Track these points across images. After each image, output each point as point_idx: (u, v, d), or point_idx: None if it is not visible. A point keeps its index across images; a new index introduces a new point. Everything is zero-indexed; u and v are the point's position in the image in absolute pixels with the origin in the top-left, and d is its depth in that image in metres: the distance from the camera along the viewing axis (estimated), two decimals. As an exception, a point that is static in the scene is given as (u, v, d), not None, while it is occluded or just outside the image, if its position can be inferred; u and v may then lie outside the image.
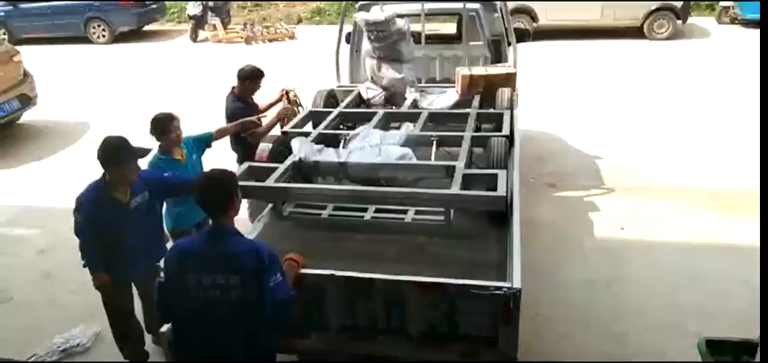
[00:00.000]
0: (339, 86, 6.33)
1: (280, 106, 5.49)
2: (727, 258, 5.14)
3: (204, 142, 4.56)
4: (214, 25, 15.79)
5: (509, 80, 5.63)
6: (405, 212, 3.99)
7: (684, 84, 10.19)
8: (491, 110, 5.24)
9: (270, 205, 4.12)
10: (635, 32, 13.27)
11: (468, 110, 5.25)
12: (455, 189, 3.58)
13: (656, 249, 5.37)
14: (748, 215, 5.61)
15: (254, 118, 4.97)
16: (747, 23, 13.80)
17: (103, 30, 16.07)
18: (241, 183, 3.87)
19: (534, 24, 13.04)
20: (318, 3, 18.50)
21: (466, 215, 3.95)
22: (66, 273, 5.07)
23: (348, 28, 7.08)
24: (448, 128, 5.09)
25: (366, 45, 5.88)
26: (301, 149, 4.27)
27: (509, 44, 6.16)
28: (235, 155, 5.28)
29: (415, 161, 4.16)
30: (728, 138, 7.85)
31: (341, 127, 5.24)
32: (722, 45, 12.79)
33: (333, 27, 17.35)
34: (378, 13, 5.63)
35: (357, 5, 6.55)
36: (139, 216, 3.72)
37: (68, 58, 14.67)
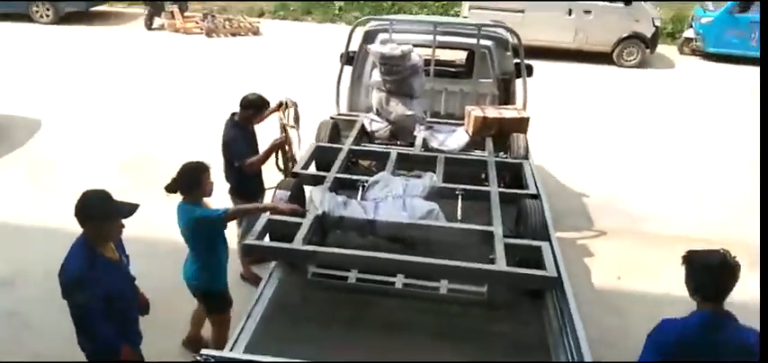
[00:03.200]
0: (339, 115, 5.93)
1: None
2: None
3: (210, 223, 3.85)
4: (172, 12, 14.80)
5: (521, 125, 5.42)
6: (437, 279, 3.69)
7: (659, 115, 10.38)
8: (507, 159, 5.01)
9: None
10: (604, 58, 13.42)
11: (484, 156, 5.01)
12: (501, 265, 3.30)
13: (661, 302, 5.29)
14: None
15: (281, 137, 4.94)
16: (708, 56, 14.24)
17: (48, 9, 14.80)
18: (260, 243, 3.53)
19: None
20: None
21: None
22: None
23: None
24: (468, 171, 4.87)
25: (375, 76, 5.52)
26: (323, 202, 3.88)
27: (520, 78, 5.93)
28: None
29: (443, 218, 3.88)
30: (709, 176, 8.02)
31: (350, 165, 4.88)
32: (688, 77, 13.12)
33: (297, 23, 16.85)
34: (393, 48, 5.28)
35: (363, 26, 6.16)
36: (129, 274, 3.31)
37: (7, 39, 13.39)
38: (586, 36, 13.31)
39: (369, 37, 6.09)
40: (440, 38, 5.88)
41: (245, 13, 16.70)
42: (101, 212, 3.00)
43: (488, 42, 5.93)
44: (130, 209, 3.05)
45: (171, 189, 3.78)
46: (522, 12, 13.21)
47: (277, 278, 3.57)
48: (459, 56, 6.78)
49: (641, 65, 13.47)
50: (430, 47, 5.83)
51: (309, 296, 3.62)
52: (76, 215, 2.98)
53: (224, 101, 9.53)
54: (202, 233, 3.83)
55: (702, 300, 2.66)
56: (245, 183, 4.94)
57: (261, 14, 17.07)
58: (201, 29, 14.67)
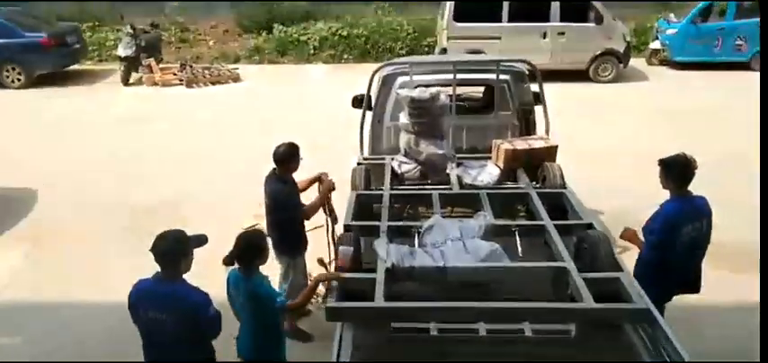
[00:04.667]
0: (365, 159, 5.94)
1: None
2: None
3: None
4: (150, 66, 14.58)
5: (550, 153, 5.52)
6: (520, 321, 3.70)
7: (646, 122, 10.73)
8: (547, 190, 5.09)
9: None
10: (581, 75, 13.84)
11: (523, 189, 5.08)
12: (590, 302, 3.34)
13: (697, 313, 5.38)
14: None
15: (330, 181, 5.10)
16: (676, 65, 14.86)
17: (19, 73, 14.39)
18: (343, 305, 3.46)
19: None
20: (255, 41, 17.79)
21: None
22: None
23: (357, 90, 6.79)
24: (508, 205, 4.96)
25: (402, 119, 5.56)
26: (390, 253, 3.87)
27: (545, 112, 6.06)
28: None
29: (506, 257, 3.91)
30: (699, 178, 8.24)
31: (393, 209, 4.89)
32: (663, 86, 13.70)
33: (274, 66, 16.86)
34: (423, 91, 5.35)
35: (382, 69, 6.22)
36: None
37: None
38: (562, 56, 13.72)
39: (388, 81, 6.15)
40: (459, 76, 5.98)
41: (220, 59, 16.64)
42: (187, 247, 3.41)
43: (506, 76, 6.05)
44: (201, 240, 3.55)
45: (229, 262, 3.73)
46: (499, 38, 13.55)
47: (350, 339, 3.44)
48: (476, 89, 6.89)
49: (616, 79, 13.95)
50: (450, 85, 5.91)
51: (393, 352, 3.57)
52: (172, 253, 3.35)
53: (228, 150, 9.71)
54: (263, 310, 3.70)
55: (677, 188, 4.14)
56: (291, 236, 4.92)
57: (237, 60, 17.02)
58: (181, 80, 14.50)
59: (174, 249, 3.38)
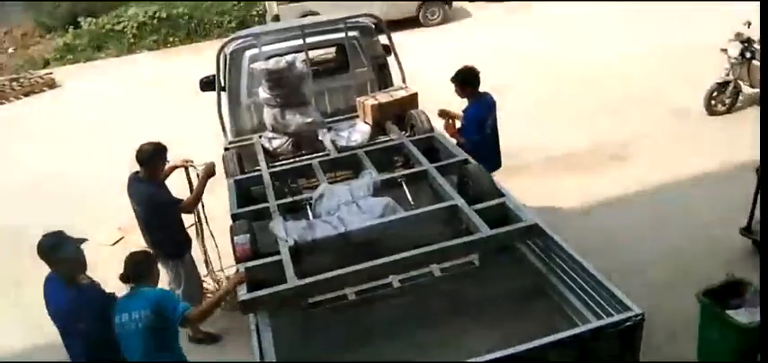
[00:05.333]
0: (231, 143, 5.68)
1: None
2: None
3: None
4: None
5: (413, 100, 5.71)
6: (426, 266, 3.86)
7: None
8: (419, 136, 5.27)
9: None
10: (414, 22, 14.35)
11: (397, 139, 5.21)
12: (486, 230, 3.58)
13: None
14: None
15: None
16: (498, -1, 15.84)
17: None
18: (257, 294, 3.32)
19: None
20: (62, 38, 15.90)
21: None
22: None
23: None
24: (387, 161, 5.09)
25: (263, 93, 5.38)
26: (289, 231, 3.80)
27: (398, 62, 6.19)
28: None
29: (400, 209, 4.04)
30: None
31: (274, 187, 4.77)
32: (487, 23, 14.60)
33: (92, 64, 15.21)
34: (278, 61, 5.22)
35: (227, 46, 5.91)
36: None
37: None
38: (392, 7, 14.05)
39: (236, 56, 5.88)
40: (309, 39, 5.89)
41: (27, 66, 14.70)
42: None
43: (355, 33, 6.07)
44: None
45: (124, 279, 3.54)
46: None
47: (267, 323, 3.35)
48: (327, 51, 6.83)
49: (445, 21, 14.69)
50: (302, 50, 5.81)
51: (314, 326, 3.56)
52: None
53: (70, 166, 8.64)
54: (163, 318, 3.47)
55: (473, 93, 5.14)
56: (173, 236, 4.67)
57: (46, 64, 15.14)
58: (-14, 96, 12.56)
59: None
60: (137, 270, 3.55)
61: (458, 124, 5.32)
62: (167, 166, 4.86)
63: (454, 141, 5.15)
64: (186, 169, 5.11)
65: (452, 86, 5.23)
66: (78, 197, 7.75)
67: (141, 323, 3.41)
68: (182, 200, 4.73)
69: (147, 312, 3.42)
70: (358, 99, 5.73)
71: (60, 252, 3.45)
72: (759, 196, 4.83)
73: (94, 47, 15.76)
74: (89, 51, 15.60)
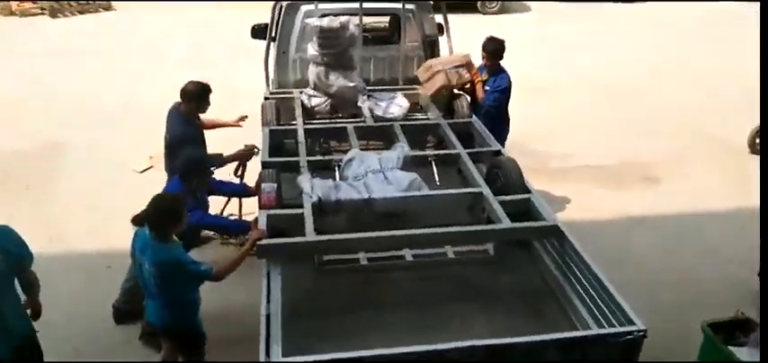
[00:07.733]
0: (272, 93, 5.80)
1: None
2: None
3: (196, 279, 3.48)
4: (4, -7, 12.92)
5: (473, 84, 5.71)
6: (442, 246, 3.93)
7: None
8: (457, 120, 5.30)
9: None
10: (469, 7, 14.20)
11: (434, 120, 5.25)
12: (506, 222, 3.62)
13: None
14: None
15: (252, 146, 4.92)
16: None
17: None
18: (273, 241, 3.43)
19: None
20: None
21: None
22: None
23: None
24: (420, 137, 5.16)
25: (311, 50, 5.45)
26: (315, 188, 3.91)
27: (449, 43, 6.19)
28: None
29: (425, 186, 4.10)
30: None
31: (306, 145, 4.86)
32: (544, 19, 14.34)
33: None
34: (332, 20, 5.26)
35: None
36: None
37: None
38: (451, -11, 13.97)
39: (292, 9, 5.95)
40: (366, 5, 5.92)
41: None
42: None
43: (412, 6, 6.07)
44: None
45: (138, 222, 3.45)
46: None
47: (279, 274, 3.34)
48: (381, 20, 6.83)
49: (503, 10, 14.51)
50: (356, 14, 5.84)
51: (323, 284, 3.67)
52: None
53: (112, 87, 8.92)
54: (180, 279, 3.39)
55: (500, 63, 5.62)
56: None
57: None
58: (43, 9, 12.99)
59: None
60: (160, 220, 3.29)
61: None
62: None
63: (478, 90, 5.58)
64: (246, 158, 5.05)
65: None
66: (116, 119, 7.96)
67: (153, 279, 3.35)
68: (216, 155, 4.76)
69: (155, 268, 3.32)
70: (430, 72, 5.61)
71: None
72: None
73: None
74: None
